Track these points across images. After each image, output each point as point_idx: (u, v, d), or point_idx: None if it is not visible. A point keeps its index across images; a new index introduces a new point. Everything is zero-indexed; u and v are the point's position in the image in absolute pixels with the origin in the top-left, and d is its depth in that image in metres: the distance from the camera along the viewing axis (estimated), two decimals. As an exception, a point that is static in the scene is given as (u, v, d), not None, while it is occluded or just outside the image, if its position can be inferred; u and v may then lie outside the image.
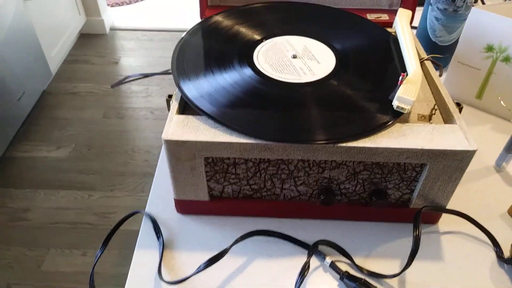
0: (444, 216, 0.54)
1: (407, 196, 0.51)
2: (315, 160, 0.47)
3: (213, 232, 0.52)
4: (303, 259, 0.49)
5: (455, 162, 0.46)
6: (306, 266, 0.46)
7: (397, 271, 0.48)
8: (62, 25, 2.12)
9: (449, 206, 0.52)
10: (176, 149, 0.46)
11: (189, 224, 0.53)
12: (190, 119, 0.47)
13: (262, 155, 0.46)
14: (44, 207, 1.50)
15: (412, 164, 0.48)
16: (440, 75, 0.56)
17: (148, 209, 0.55)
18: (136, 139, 1.77)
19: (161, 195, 0.56)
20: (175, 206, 0.54)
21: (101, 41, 2.36)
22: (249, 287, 0.47)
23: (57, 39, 2.08)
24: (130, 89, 2.03)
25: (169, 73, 0.58)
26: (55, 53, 2.05)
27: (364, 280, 0.46)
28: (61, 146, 1.73)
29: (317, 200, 0.51)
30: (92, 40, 2.36)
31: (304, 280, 0.47)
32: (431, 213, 0.52)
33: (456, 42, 0.74)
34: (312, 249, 0.49)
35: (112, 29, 2.47)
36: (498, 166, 0.62)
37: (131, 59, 2.23)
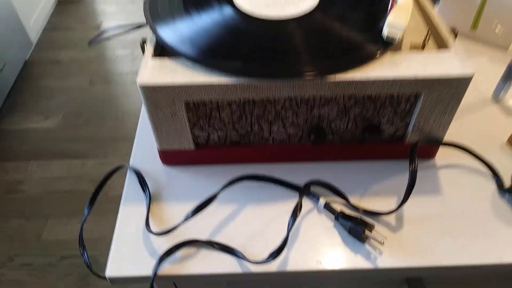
0: (442, 150, 0.52)
1: (402, 131, 0.49)
2: (303, 97, 0.44)
3: (201, 181, 0.50)
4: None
5: (451, 90, 0.43)
6: (298, 207, 0.44)
7: (393, 208, 0.47)
8: (38, -9, 2.02)
9: (446, 139, 0.50)
10: (154, 94, 0.43)
11: (176, 175, 0.51)
12: (167, 61, 0.44)
13: (246, 95, 0.43)
14: (38, 178, 1.48)
15: (405, 95, 0.45)
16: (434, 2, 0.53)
17: (132, 163, 0.52)
18: (125, 104, 1.73)
19: (145, 148, 0.54)
20: (160, 157, 0.51)
21: (80, 7, 2.26)
22: (241, 233, 0.45)
23: (34, 7, 1.99)
24: (115, 53, 1.96)
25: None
26: (34, 21, 1.97)
27: (360, 218, 0.44)
28: (49, 116, 1.69)
29: (308, 140, 0.49)
30: (70, 6, 2.26)
31: (299, 223, 0.46)
32: (428, 146, 0.50)
33: (449, -30, 0.69)
34: (304, 189, 0.47)
35: (91, -7, 2.36)
36: (496, 97, 0.59)
37: (114, 22, 2.15)
